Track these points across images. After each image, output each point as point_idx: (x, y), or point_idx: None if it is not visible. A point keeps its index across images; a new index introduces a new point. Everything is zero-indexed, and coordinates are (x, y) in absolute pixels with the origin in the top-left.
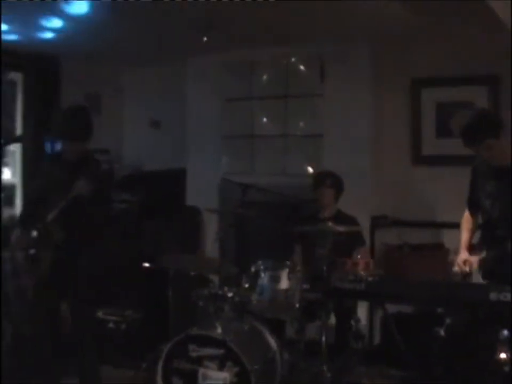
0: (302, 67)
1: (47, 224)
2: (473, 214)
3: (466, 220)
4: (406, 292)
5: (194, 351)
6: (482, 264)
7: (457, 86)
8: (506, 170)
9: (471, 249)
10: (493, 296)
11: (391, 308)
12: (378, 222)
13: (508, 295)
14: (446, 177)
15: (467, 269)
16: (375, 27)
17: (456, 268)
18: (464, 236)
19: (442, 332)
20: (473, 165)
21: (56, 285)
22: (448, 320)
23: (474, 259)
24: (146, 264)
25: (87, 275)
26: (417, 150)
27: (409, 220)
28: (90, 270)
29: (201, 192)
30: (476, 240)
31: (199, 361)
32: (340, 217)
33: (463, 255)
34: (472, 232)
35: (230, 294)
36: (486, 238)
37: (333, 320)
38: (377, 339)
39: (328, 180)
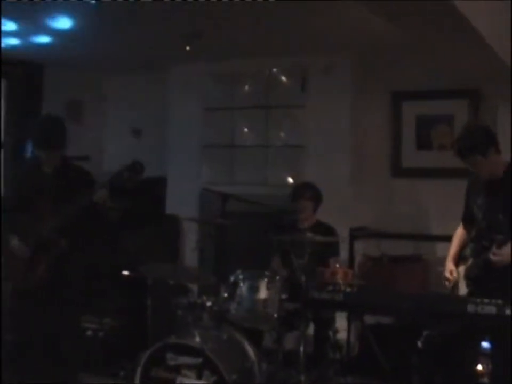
0: (283, 78)
1: (49, 232)
2: (466, 228)
3: (458, 233)
4: (384, 303)
5: (172, 359)
6: (466, 273)
7: (437, 99)
8: (495, 183)
9: (461, 260)
10: (470, 308)
11: (370, 319)
12: (357, 233)
13: (486, 307)
14: (425, 190)
15: (454, 276)
16: (357, 40)
17: (446, 283)
18: (453, 248)
19: (419, 344)
20: (468, 179)
21: (50, 291)
22: (426, 332)
23: (461, 269)
24: (126, 272)
25: (78, 282)
26: (397, 162)
27: (388, 232)
28: (81, 277)
29: (181, 201)
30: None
31: (177, 369)
32: (319, 228)
33: (449, 265)
34: (463, 245)
35: (208, 303)
36: (474, 248)
37: (311, 330)
38: (355, 350)
39: (307, 192)
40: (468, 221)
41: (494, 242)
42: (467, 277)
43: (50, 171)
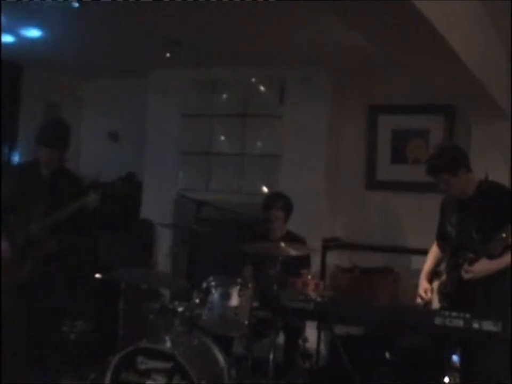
0: (262, 88)
1: (39, 233)
2: (440, 246)
3: (432, 251)
4: (354, 314)
5: (143, 363)
6: (439, 288)
7: (413, 114)
8: (469, 202)
9: (435, 275)
10: (438, 321)
11: (340, 329)
12: (330, 244)
13: (453, 321)
14: (398, 203)
15: (428, 296)
16: (335, 53)
17: (418, 300)
18: (427, 265)
19: (388, 355)
20: (442, 198)
21: (34, 290)
22: (394, 344)
23: (435, 284)
24: (98, 275)
25: (62, 283)
26: (371, 174)
27: (360, 243)
28: (65, 278)
29: (156, 206)
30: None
31: (147, 373)
32: (289, 238)
33: (423, 284)
34: (437, 262)
35: (180, 309)
36: (448, 265)
37: (281, 338)
38: (324, 359)
39: (278, 202)
40: (442, 238)
41: (466, 260)
42: (440, 292)
43: (48, 174)
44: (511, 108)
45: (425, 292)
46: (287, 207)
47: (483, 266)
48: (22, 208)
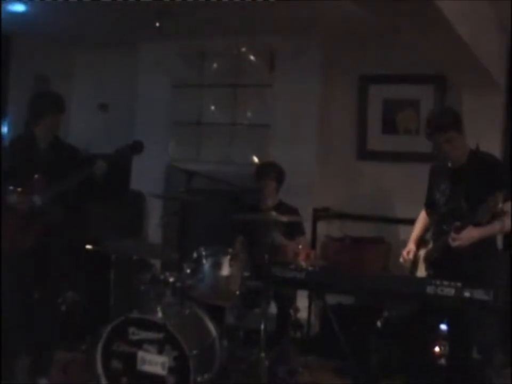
0: (252, 57)
1: (43, 203)
2: (428, 213)
3: (421, 217)
4: (345, 283)
5: (134, 334)
6: (426, 256)
7: (404, 84)
8: (460, 170)
9: (422, 243)
10: (430, 290)
11: (332, 299)
12: (320, 214)
13: (445, 289)
14: (389, 173)
15: (410, 257)
16: (326, 22)
17: (400, 259)
18: (416, 231)
19: (379, 324)
20: (431, 165)
21: (35, 260)
22: (385, 313)
23: (422, 252)
24: (89, 247)
25: (63, 253)
26: (362, 144)
27: (351, 213)
28: (66, 248)
29: (146, 177)
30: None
31: (138, 344)
32: (282, 208)
33: (409, 246)
34: (425, 228)
35: (171, 279)
36: (434, 232)
37: (273, 308)
38: (315, 329)
39: (271, 172)
40: (430, 206)
41: (453, 228)
42: (426, 260)
43: (46, 146)
44: (504, 81)
45: (408, 253)
46: (280, 177)
47: (470, 234)
48: (23, 178)
